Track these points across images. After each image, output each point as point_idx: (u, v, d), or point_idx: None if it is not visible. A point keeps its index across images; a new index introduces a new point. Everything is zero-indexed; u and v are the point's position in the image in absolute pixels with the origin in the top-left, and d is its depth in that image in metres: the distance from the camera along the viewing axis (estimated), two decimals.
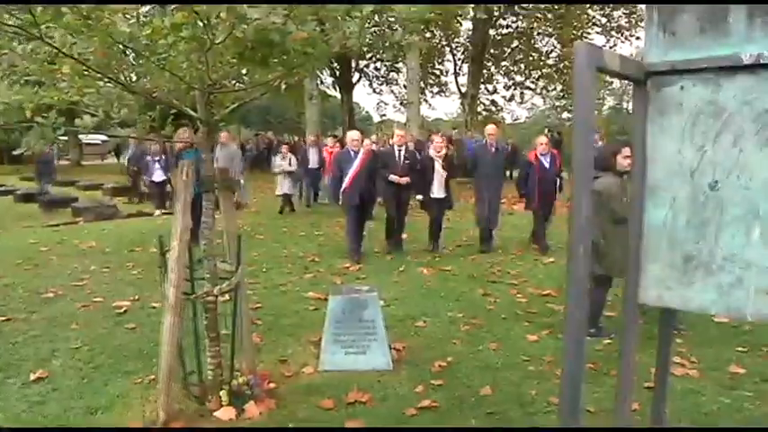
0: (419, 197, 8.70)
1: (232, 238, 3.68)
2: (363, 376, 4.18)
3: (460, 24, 26.38)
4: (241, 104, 3.49)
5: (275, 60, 2.63)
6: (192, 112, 3.35)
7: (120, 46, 2.43)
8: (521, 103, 30.70)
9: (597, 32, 24.24)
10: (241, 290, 3.63)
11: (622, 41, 24.33)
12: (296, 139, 28.38)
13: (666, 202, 1.90)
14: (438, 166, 8.53)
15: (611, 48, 24.50)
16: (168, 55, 2.55)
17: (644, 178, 1.95)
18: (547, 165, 8.59)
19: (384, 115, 35.87)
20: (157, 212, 13.20)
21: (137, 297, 6.07)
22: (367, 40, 2.71)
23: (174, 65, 2.74)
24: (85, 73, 2.62)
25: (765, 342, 4.92)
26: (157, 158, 13.71)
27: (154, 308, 5.61)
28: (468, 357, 4.64)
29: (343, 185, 8.13)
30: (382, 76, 32.24)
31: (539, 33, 26.45)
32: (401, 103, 32.60)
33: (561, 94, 27.80)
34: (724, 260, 1.82)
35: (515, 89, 29.49)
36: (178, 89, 3.06)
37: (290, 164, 12.99)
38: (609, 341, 5.06)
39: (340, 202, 8.27)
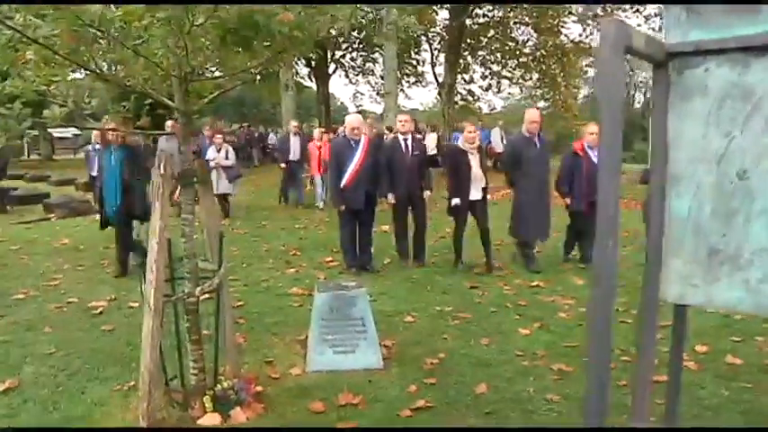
0: (455, 201, 6.87)
1: (213, 236, 3.49)
2: (353, 376, 4.02)
3: (436, 14, 26.19)
4: (220, 94, 3.30)
5: (259, 45, 2.43)
6: (170, 102, 3.15)
7: (90, 29, 2.22)
8: (497, 92, 30.63)
9: (573, 21, 24.21)
10: (223, 290, 3.45)
11: (598, 30, 24.24)
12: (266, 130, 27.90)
13: (690, 190, 1.77)
14: (473, 161, 6.83)
15: (587, 36, 24.59)
16: (143, 39, 2.34)
17: (665, 166, 1.81)
18: (595, 159, 6.84)
19: (360, 106, 35.59)
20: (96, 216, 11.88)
21: (113, 297, 5.84)
22: (359, 22, 2.53)
23: (149, 51, 2.53)
24: (53, 60, 2.40)
25: (758, 332, 4.88)
26: (97, 148, 12.27)
27: (131, 308, 5.39)
28: (459, 353, 4.51)
29: (343, 182, 6.81)
30: (358, 67, 31.96)
31: (515, 22, 26.37)
32: (377, 94, 32.46)
33: (538, 83, 27.75)
34: (752, 254, 1.70)
35: (492, 79, 29.41)
36: (154, 77, 2.85)
37: (226, 157, 11.00)
38: None
39: (342, 206, 6.91)
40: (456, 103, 27.36)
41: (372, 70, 31.82)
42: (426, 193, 7.30)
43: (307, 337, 4.61)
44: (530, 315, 5.47)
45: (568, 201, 7.05)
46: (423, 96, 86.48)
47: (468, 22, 25.48)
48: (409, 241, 7.41)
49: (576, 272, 6.90)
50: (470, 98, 31.02)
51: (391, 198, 7.10)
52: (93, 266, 7.15)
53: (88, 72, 2.67)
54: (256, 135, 24.06)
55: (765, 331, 4.95)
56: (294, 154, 12.58)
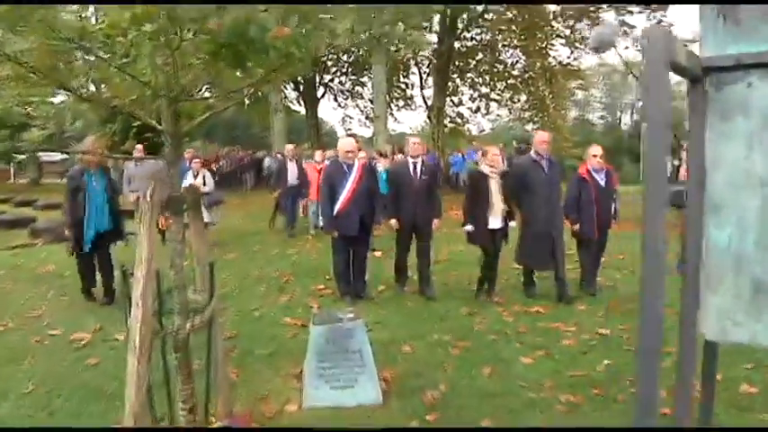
0: (467, 228, 6.47)
1: (203, 264, 3.29)
2: (352, 413, 3.81)
3: (425, 36, 26.30)
4: (211, 115, 3.12)
5: (253, 61, 2.27)
6: (157, 125, 2.98)
7: (70, 44, 2.04)
8: (485, 114, 30.72)
9: (561, 44, 24.39)
10: (215, 323, 3.24)
11: (586, 53, 24.53)
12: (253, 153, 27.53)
13: (731, 218, 1.61)
14: (494, 186, 6.38)
15: (575, 59, 24.74)
16: (129, 57, 2.17)
17: (702, 192, 1.65)
18: (602, 183, 6.77)
19: (350, 129, 35.52)
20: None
21: (98, 327, 5.57)
22: (362, 37, 2.38)
23: (136, 70, 2.36)
24: (29, 79, 2.22)
25: None
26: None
27: (117, 340, 5.14)
28: (461, 385, 4.31)
29: (336, 208, 6.53)
30: (347, 91, 31.99)
31: (503, 45, 26.54)
32: (366, 118, 32.46)
33: (526, 105, 27.86)
34: None
35: (481, 101, 29.51)
36: (142, 98, 2.67)
37: (204, 183, 10.11)
38: (608, 362, 4.79)
39: (336, 233, 6.62)
40: (445, 125, 27.39)
41: (361, 94, 31.86)
42: (435, 222, 6.90)
43: (302, 370, 4.40)
44: (531, 343, 5.28)
45: (577, 227, 6.78)
46: (411, 120, 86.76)
47: (456, 44, 25.64)
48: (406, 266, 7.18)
49: (576, 297, 6.72)
50: (459, 120, 31.07)
51: (394, 223, 6.79)
52: (77, 295, 6.87)
53: (68, 92, 2.49)
54: (247, 160, 23.45)
55: None
56: (292, 179, 12.04)
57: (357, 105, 32.54)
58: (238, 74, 2.73)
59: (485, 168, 6.46)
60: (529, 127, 36.82)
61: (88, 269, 6.62)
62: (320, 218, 11.50)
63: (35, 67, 2.12)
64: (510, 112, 30.51)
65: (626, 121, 54.48)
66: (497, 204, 6.35)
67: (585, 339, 5.38)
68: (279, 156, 16.57)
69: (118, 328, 5.51)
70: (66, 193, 6.58)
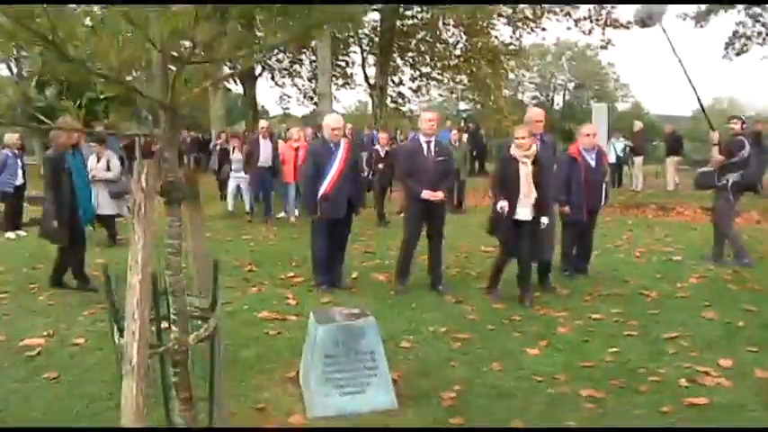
0: (501, 204, 5.61)
1: (201, 263, 2.77)
2: (367, 421, 3.39)
3: (365, 14, 25.68)
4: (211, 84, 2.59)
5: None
6: (141, 94, 2.42)
7: None
8: (425, 94, 30.52)
9: (504, 23, 24.33)
10: (219, 335, 2.73)
11: (528, 33, 24.56)
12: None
13: None
14: (524, 172, 5.58)
15: (517, 39, 24.77)
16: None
17: None
18: (593, 163, 6.47)
19: (287, 109, 34.52)
20: (9, 235, 9.35)
21: (51, 331, 4.82)
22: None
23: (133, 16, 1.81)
24: None
25: None
26: (15, 152, 9.61)
27: (77, 345, 4.50)
28: (475, 383, 3.96)
29: (322, 190, 6.00)
30: (285, 69, 30.97)
31: (444, 24, 26.25)
32: (305, 96, 31.62)
33: (468, 84, 27.81)
34: None
35: (421, 80, 29.22)
36: (133, 59, 2.12)
37: (107, 167, 8.62)
38: (613, 349, 4.56)
39: (317, 214, 6.09)
40: (386, 105, 26.96)
41: (299, 72, 30.93)
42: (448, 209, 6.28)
43: (298, 373, 3.94)
44: (530, 332, 5.01)
45: (567, 210, 6.44)
46: (346, 99, 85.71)
47: (398, 23, 25.14)
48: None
49: (560, 280, 6.50)
50: (400, 100, 30.73)
51: (429, 194, 5.89)
52: (19, 292, 6.05)
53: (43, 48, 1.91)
54: (189, 140, 21.56)
55: None
56: (265, 159, 10.79)
57: (295, 84, 31.61)
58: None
59: (515, 152, 5.65)
60: (462, 106, 36.92)
61: (78, 256, 6.22)
62: (293, 203, 10.89)
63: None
64: (452, 93, 30.43)
65: (558, 101, 55.64)
66: (526, 193, 5.57)
67: (581, 326, 5.16)
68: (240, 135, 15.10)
69: (75, 330, 4.87)
70: (48, 180, 5.98)
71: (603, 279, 6.75)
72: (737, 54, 21.87)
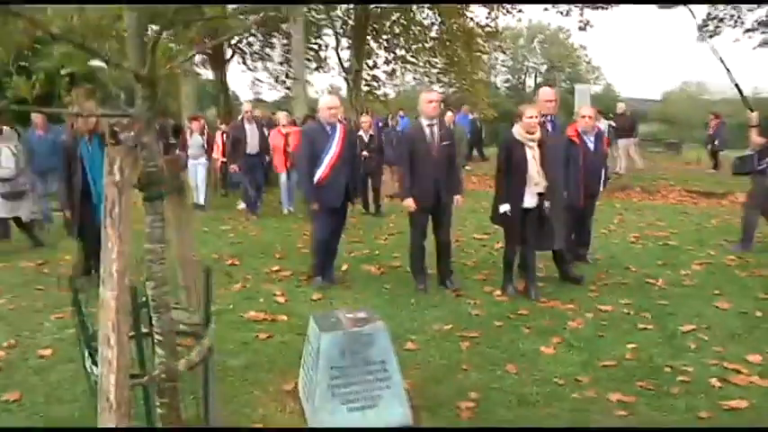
0: (504, 207, 5.26)
1: (189, 269, 2.34)
2: None
3: None
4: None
5: None
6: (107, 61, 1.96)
7: None
8: (402, 77, 30.05)
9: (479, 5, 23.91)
10: (212, 357, 2.30)
11: (504, 14, 24.17)
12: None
13: None
14: (531, 156, 5.19)
15: (493, 20, 24.42)
16: None
17: None
18: (592, 146, 6.08)
19: (259, 93, 33.72)
20: None
21: (13, 341, 4.32)
22: None
23: None
24: None
25: None
26: None
27: (43, 357, 4.00)
28: (492, 390, 3.60)
29: (318, 175, 5.57)
30: (256, 53, 30.14)
31: (419, 6, 25.73)
32: (276, 81, 30.87)
33: (445, 68, 27.37)
34: None
35: (396, 64, 28.69)
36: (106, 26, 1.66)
37: None
38: (631, 345, 4.25)
39: (317, 202, 5.61)
40: (361, 89, 26.41)
41: (270, 56, 30.15)
42: (457, 199, 5.67)
43: (296, 385, 3.52)
44: (539, 327, 4.68)
45: (565, 194, 5.95)
46: (319, 83, 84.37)
47: (372, 5, 24.54)
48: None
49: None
50: (375, 84, 30.20)
51: (410, 203, 5.46)
52: None
53: None
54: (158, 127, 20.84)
55: None
56: (253, 146, 9.85)
57: (266, 68, 30.82)
58: None
59: (520, 134, 5.22)
60: (438, 89, 36.36)
61: (94, 250, 5.46)
62: (286, 194, 10.09)
63: None
64: (428, 76, 29.96)
65: (530, 84, 55.53)
66: (534, 178, 5.18)
67: (592, 319, 4.84)
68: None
69: (39, 339, 4.37)
70: (60, 170, 5.61)
71: (605, 267, 6.45)
72: (711, 36, 21.77)
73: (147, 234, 2.07)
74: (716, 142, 15.85)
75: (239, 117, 10.88)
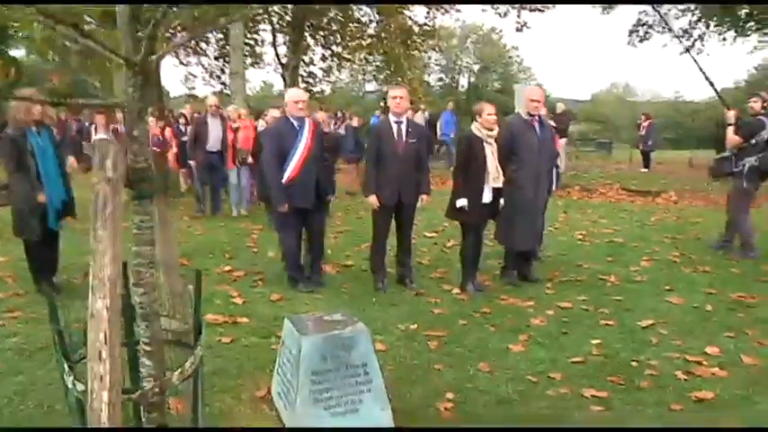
0: (461, 202, 5.26)
1: (173, 273, 2.18)
2: None
3: None
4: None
5: None
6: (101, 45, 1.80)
7: None
8: (338, 74, 29.82)
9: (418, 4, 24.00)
10: (201, 370, 2.15)
11: (442, 13, 24.39)
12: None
13: None
14: (489, 152, 5.23)
15: (432, 19, 24.60)
16: None
17: None
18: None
19: (193, 89, 32.73)
20: None
21: None
22: None
23: None
24: None
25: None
26: None
27: (21, 374, 3.66)
28: (468, 389, 3.57)
29: (286, 174, 5.26)
30: (189, 47, 29.23)
31: (356, 3, 25.62)
32: (210, 76, 30.07)
33: (382, 65, 27.38)
34: None
35: (332, 60, 28.48)
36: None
37: None
38: (596, 341, 4.33)
39: (282, 204, 5.29)
40: (298, 86, 26.07)
41: (205, 51, 29.31)
42: (422, 198, 5.55)
43: (269, 391, 3.38)
44: (504, 325, 4.71)
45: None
46: (254, 78, 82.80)
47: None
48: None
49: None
50: (311, 80, 29.89)
51: (373, 200, 5.37)
52: None
53: None
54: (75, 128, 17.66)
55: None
56: (214, 143, 9.16)
57: (200, 63, 29.93)
58: None
59: (478, 131, 5.27)
60: (368, 87, 36.34)
61: (46, 255, 5.31)
62: (236, 194, 9.52)
63: None
64: (364, 73, 29.93)
65: (463, 83, 56.38)
66: (492, 174, 5.23)
67: (553, 316, 4.91)
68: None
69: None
70: (6, 164, 5.08)
71: (557, 264, 6.58)
72: (641, 41, 22.75)
73: (136, 236, 1.91)
74: (649, 142, 16.52)
75: (204, 112, 10.27)
